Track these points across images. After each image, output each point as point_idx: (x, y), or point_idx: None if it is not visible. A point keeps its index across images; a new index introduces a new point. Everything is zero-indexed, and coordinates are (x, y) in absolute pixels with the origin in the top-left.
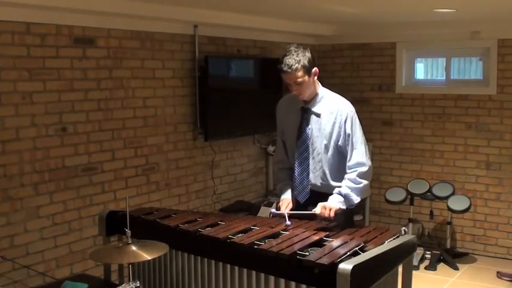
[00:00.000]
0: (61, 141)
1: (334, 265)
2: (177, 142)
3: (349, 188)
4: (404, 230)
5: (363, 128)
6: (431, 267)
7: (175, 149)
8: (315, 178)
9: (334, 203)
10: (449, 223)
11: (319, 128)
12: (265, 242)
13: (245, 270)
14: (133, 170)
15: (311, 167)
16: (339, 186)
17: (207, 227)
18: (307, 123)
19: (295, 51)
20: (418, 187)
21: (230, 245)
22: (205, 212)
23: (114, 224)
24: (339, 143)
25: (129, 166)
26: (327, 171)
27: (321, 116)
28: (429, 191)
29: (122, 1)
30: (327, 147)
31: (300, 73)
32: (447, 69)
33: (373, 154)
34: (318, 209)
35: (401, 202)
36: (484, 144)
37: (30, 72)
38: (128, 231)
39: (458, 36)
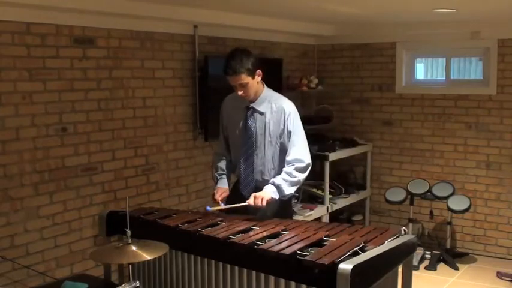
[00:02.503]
0: (61, 141)
1: (334, 265)
2: (177, 142)
3: (284, 179)
4: (404, 230)
5: (362, 128)
6: (431, 267)
7: (175, 149)
8: (259, 174)
9: (266, 193)
10: (449, 223)
11: (263, 126)
12: (265, 242)
13: (245, 270)
14: (133, 170)
15: (255, 163)
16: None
17: (207, 227)
18: (252, 121)
19: (239, 55)
20: (418, 187)
21: (230, 245)
22: (205, 212)
23: (114, 224)
24: (281, 140)
25: (129, 166)
26: (271, 167)
27: (265, 114)
28: (429, 191)
29: (122, 1)
30: (271, 144)
31: (244, 75)
32: (447, 69)
33: (373, 154)
34: (250, 200)
35: (401, 202)
36: (484, 144)
37: (30, 72)
38: (128, 231)
39: (458, 36)
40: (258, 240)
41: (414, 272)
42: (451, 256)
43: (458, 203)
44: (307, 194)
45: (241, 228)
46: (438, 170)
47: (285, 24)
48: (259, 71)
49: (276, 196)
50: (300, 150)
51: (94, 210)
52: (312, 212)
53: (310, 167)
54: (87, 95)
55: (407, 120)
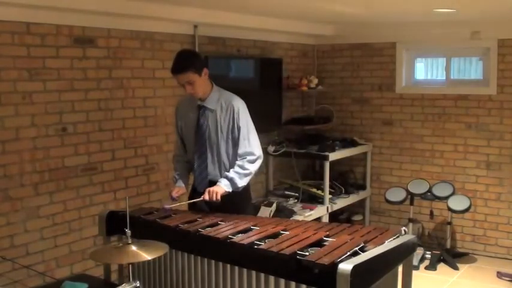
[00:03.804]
0: (61, 141)
1: (334, 265)
2: None
3: (236, 172)
4: (404, 230)
5: (362, 128)
6: (431, 267)
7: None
8: (214, 169)
9: (219, 187)
10: (449, 223)
11: (215, 123)
12: (265, 242)
13: (245, 270)
14: (133, 170)
15: (209, 159)
16: None
17: (207, 227)
18: (204, 119)
19: (186, 54)
20: (418, 187)
21: (230, 245)
22: (205, 212)
23: (114, 224)
24: (233, 135)
25: (129, 166)
26: (226, 162)
27: (215, 111)
28: (429, 191)
29: (122, 1)
30: (223, 139)
31: (190, 73)
32: (447, 69)
33: (373, 154)
34: (205, 195)
35: (401, 202)
36: (484, 144)
37: (30, 72)
38: (128, 231)
39: (458, 36)
40: (258, 240)
41: (414, 272)
42: (451, 256)
43: (458, 203)
44: (307, 194)
45: (241, 228)
46: (438, 170)
47: (285, 24)
48: (205, 69)
49: (229, 189)
50: (250, 144)
51: (94, 210)
52: (312, 212)
53: (261, 159)
54: (87, 95)
55: (407, 120)
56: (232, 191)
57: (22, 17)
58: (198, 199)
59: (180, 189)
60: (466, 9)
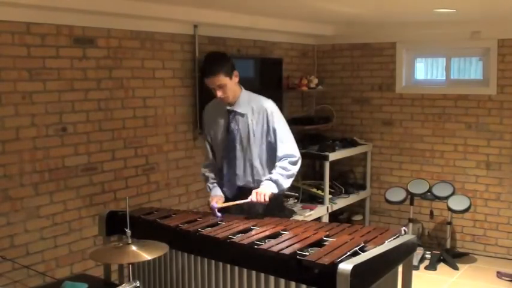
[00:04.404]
0: (61, 141)
1: (334, 265)
2: (177, 142)
3: (280, 174)
4: (404, 230)
5: (362, 128)
6: (431, 267)
7: (175, 149)
8: (244, 175)
9: (266, 189)
10: (449, 223)
11: (246, 127)
12: (265, 242)
13: (245, 270)
14: (133, 170)
15: (238, 165)
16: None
17: (207, 227)
18: (234, 124)
19: (216, 57)
20: (418, 187)
21: (230, 245)
22: (205, 212)
23: (114, 224)
24: (268, 138)
25: (129, 166)
26: (259, 167)
27: (246, 115)
28: (429, 191)
29: (122, 1)
30: (256, 144)
31: (221, 76)
32: (447, 69)
33: (373, 154)
34: (252, 196)
35: (401, 202)
36: (484, 144)
37: (30, 72)
38: (128, 231)
39: (458, 36)
40: (258, 240)
41: (414, 272)
42: (451, 256)
43: (458, 203)
44: (307, 194)
45: (241, 228)
46: (438, 170)
47: (285, 24)
48: (236, 72)
49: (275, 190)
50: (289, 146)
51: (94, 210)
52: (312, 212)
53: (300, 160)
54: (87, 95)
55: (407, 120)
56: (278, 193)
57: (22, 17)
58: (245, 200)
59: (218, 198)
60: (466, 9)
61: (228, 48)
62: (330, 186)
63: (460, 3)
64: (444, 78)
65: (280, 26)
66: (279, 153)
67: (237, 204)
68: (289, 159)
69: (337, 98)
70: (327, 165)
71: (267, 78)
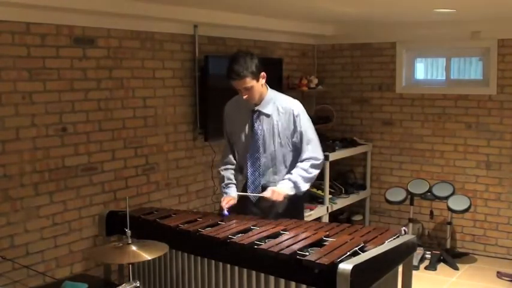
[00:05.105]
0: (61, 141)
1: (334, 265)
2: (177, 142)
3: (300, 176)
4: (404, 230)
5: (362, 128)
6: (431, 267)
7: (175, 149)
8: (268, 176)
9: (283, 188)
10: (449, 223)
11: (271, 128)
12: (265, 242)
13: (245, 270)
14: (133, 170)
15: (263, 166)
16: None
17: (207, 227)
18: (259, 124)
19: (243, 58)
20: (418, 187)
21: (230, 245)
22: (205, 212)
23: (114, 224)
24: (293, 139)
25: (129, 166)
26: (282, 168)
27: (272, 116)
28: (429, 191)
29: (122, 1)
30: (280, 145)
31: (248, 79)
32: (447, 69)
33: (373, 154)
34: (267, 193)
35: (401, 202)
36: (484, 144)
37: (30, 72)
38: (128, 231)
39: (458, 36)
40: (258, 240)
41: (414, 272)
42: (451, 256)
43: (458, 203)
44: (307, 194)
45: (241, 228)
46: (438, 170)
47: (285, 24)
48: (263, 73)
49: (292, 192)
50: (314, 148)
51: (94, 210)
52: (312, 212)
53: (323, 163)
54: (87, 95)
55: (407, 120)
56: (294, 195)
57: (22, 17)
58: (255, 193)
59: (230, 199)
60: (466, 9)
61: (228, 48)
62: (330, 186)
63: (460, 3)
64: (444, 78)
65: (280, 26)
66: (304, 154)
67: (247, 195)
68: (312, 161)
69: (337, 98)
70: (327, 165)
71: (267, 78)
